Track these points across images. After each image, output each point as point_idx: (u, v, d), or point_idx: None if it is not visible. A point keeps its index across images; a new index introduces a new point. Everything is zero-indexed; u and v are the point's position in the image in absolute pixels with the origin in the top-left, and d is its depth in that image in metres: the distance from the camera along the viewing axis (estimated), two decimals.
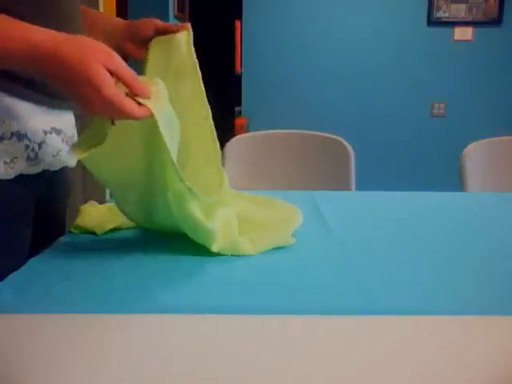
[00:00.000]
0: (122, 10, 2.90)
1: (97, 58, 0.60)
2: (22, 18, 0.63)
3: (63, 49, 0.59)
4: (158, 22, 0.86)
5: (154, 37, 0.86)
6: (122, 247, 0.80)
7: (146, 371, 0.47)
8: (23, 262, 0.73)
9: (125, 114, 0.62)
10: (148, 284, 0.67)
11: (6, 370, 0.47)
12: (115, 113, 0.62)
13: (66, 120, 0.84)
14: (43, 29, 0.61)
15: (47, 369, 0.47)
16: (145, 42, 0.86)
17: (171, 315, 0.58)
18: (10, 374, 0.47)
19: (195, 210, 0.74)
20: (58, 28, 0.65)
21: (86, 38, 0.62)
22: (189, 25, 0.86)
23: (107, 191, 2.71)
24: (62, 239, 0.84)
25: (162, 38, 0.86)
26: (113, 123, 0.66)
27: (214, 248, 0.76)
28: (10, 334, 0.54)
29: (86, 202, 0.95)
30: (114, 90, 0.60)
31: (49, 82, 0.70)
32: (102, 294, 0.63)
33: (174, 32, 0.85)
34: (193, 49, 0.87)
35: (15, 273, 0.69)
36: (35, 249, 0.78)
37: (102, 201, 1.00)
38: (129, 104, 0.62)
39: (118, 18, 0.94)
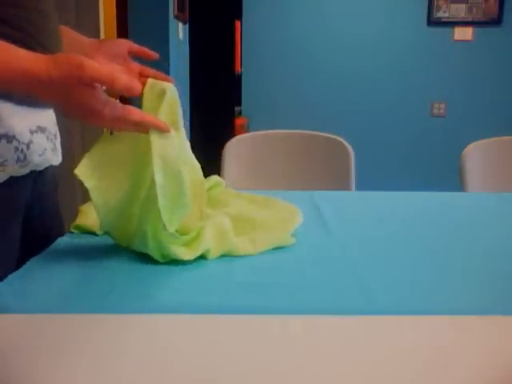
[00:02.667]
0: (122, 11, 2.90)
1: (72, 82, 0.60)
2: (4, 20, 0.65)
3: (55, 73, 0.60)
4: (132, 44, 0.89)
5: (127, 54, 0.89)
6: (121, 247, 0.80)
7: (146, 371, 0.47)
8: (17, 263, 0.73)
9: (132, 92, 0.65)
10: (148, 284, 0.67)
11: (6, 370, 0.47)
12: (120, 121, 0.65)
13: (48, 117, 0.83)
14: (37, 55, 0.61)
15: (47, 369, 0.47)
16: (117, 58, 0.87)
17: (171, 315, 0.58)
18: (9, 373, 0.47)
19: (175, 250, 0.73)
20: (45, 46, 0.68)
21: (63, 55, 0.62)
22: (172, 79, 0.87)
23: None
24: (62, 239, 0.84)
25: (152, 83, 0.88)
26: (111, 133, 0.67)
27: (211, 256, 0.76)
28: (10, 334, 0.54)
29: (86, 202, 0.95)
30: (107, 110, 0.63)
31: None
32: (102, 294, 0.63)
33: (159, 78, 0.85)
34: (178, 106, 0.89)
35: (15, 273, 0.69)
36: (32, 250, 0.78)
37: None
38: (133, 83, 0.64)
39: (86, 37, 0.95)
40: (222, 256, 0.76)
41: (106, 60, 0.87)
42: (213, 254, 0.76)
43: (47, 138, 0.81)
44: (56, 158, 0.86)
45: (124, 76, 0.64)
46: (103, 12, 2.77)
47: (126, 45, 0.88)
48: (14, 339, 0.53)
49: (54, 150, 0.84)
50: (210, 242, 0.76)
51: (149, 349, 0.51)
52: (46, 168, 0.84)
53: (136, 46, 0.88)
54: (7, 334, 0.54)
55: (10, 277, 0.67)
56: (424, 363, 0.49)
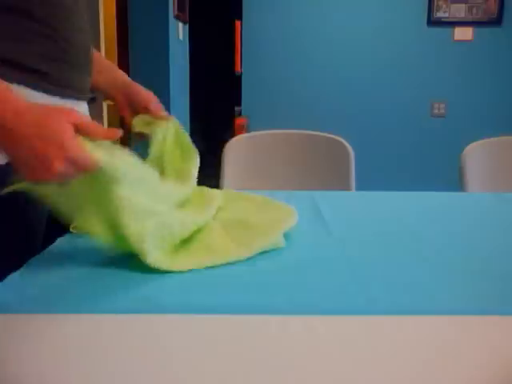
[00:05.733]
0: (122, 10, 2.90)
1: (60, 117, 0.60)
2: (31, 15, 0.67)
3: (22, 121, 0.59)
4: (155, 103, 0.94)
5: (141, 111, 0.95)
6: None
7: (146, 371, 0.47)
8: (20, 255, 0.74)
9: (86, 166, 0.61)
10: (148, 284, 0.67)
11: (6, 370, 0.47)
12: (77, 166, 0.61)
13: (80, 109, 0.88)
14: (9, 97, 0.61)
15: (47, 369, 0.47)
16: (134, 105, 0.95)
17: (171, 315, 0.58)
18: (9, 373, 0.47)
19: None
20: (69, 41, 0.73)
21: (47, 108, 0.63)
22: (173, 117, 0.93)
23: None
24: (62, 239, 0.84)
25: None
26: (65, 184, 0.64)
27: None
28: (10, 334, 0.54)
29: None
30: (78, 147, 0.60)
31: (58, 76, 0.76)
32: (102, 294, 0.63)
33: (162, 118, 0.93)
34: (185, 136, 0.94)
35: (15, 273, 0.69)
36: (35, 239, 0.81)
37: None
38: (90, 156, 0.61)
39: (122, 72, 1.01)
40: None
41: (125, 103, 0.96)
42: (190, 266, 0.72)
43: None
44: None
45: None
46: (103, 12, 2.77)
47: (149, 100, 0.94)
48: (14, 339, 0.53)
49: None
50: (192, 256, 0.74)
51: (149, 349, 0.51)
52: None
53: (154, 106, 0.93)
54: (7, 334, 0.54)
55: (10, 277, 0.67)
56: (424, 363, 0.49)
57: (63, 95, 0.82)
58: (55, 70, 0.79)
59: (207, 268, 0.72)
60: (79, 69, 0.85)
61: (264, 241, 0.79)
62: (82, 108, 0.90)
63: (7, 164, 0.71)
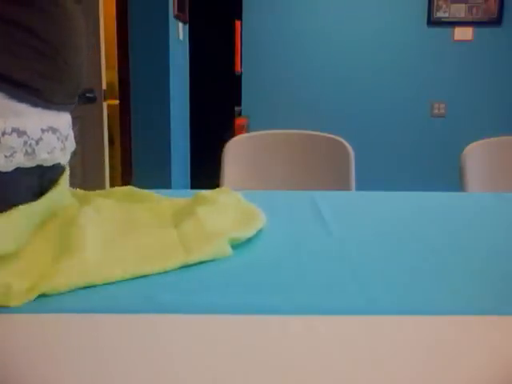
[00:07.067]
0: (122, 10, 2.90)
1: None
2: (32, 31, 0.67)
3: None
4: None
5: None
6: None
7: (146, 371, 0.47)
8: None
9: None
10: (148, 284, 0.67)
11: (6, 370, 0.47)
12: None
13: (62, 120, 0.87)
14: None
15: (47, 369, 0.47)
16: None
17: (170, 315, 0.58)
18: (9, 374, 0.47)
19: None
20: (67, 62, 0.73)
21: None
22: None
23: (107, 188, 2.71)
24: None
25: None
26: None
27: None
28: (10, 334, 0.54)
29: None
30: None
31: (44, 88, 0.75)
32: (102, 294, 0.63)
33: None
34: None
35: None
36: None
37: None
38: None
39: None
40: (222, 256, 0.76)
41: None
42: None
43: (58, 139, 0.86)
44: (64, 158, 0.90)
45: None
46: (103, 12, 2.77)
47: None
48: (14, 339, 0.53)
49: (62, 149, 0.88)
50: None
51: (148, 349, 0.51)
52: (54, 165, 0.87)
53: None
54: (7, 334, 0.54)
55: None
56: (424, 363, 0.49)
57: (47, 107, 0.82)
58: (47, 88, 0.80)
59: (207, 268, 0.72)
60: (71, 89, 0.86)
61: (210, 251, 0.75)
62: (66, 117, 0.89)
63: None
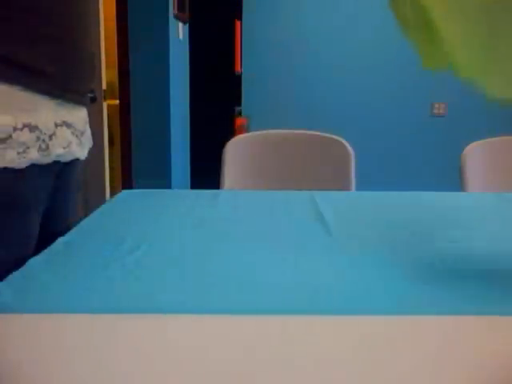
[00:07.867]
0: (122, 10, 2.90)
1: None
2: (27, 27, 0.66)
3: None
4: None
5: None
6: (121, 247, 0.80)
7: (146, 371, 0.47)
8: (32, 251, 0.74)
9: None
10: (148, 284, 0.67)
11: (6, 370, 0.47)
12: None
13: (77, 115, 0.88)
14: None
15: (47, 369, 0.47)
16: None
17: (171, 315, 0.58)
18: (9, 373, 0.47)
19: None
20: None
21: None
22: None
23: (107, 190, 2.71)
24: (62, 239, 0.84)
25: None
26: None
27: None
28: (10, 334, 0.54)
29: (86, 203, 0.95)
30: None
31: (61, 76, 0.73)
32: (102, 294, 0.63)
33: None
34: None
35: (15, 273, 0.69)
36: (42, 239, 0.81)
37: (101, 200, 1.00)
38: None
39: None
40: (222, 256, 0.76)
41: None
42: None
43: (72, 134, 0.85)
44: (82, 153, 0.90)
45: None
46: (103, 12, 2.78)
47: None
48: (14, 339, 0.53)
49: (79, 145, 0.88)
50: None
51: (148, 349, 0.51)
52: (72, 161, 0.88)
53: None
54: (7, 334, 0.54)
55: (10, 277, 0.67)
56: (424, 363, 0.49)
57: (65, 98, 0.82)
58: (60, 72, 0.79)
59: (207, 268, 0.72)
60: (82, 72, 0.86)
61: None
62: (82, 113, 0.90)
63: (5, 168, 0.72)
